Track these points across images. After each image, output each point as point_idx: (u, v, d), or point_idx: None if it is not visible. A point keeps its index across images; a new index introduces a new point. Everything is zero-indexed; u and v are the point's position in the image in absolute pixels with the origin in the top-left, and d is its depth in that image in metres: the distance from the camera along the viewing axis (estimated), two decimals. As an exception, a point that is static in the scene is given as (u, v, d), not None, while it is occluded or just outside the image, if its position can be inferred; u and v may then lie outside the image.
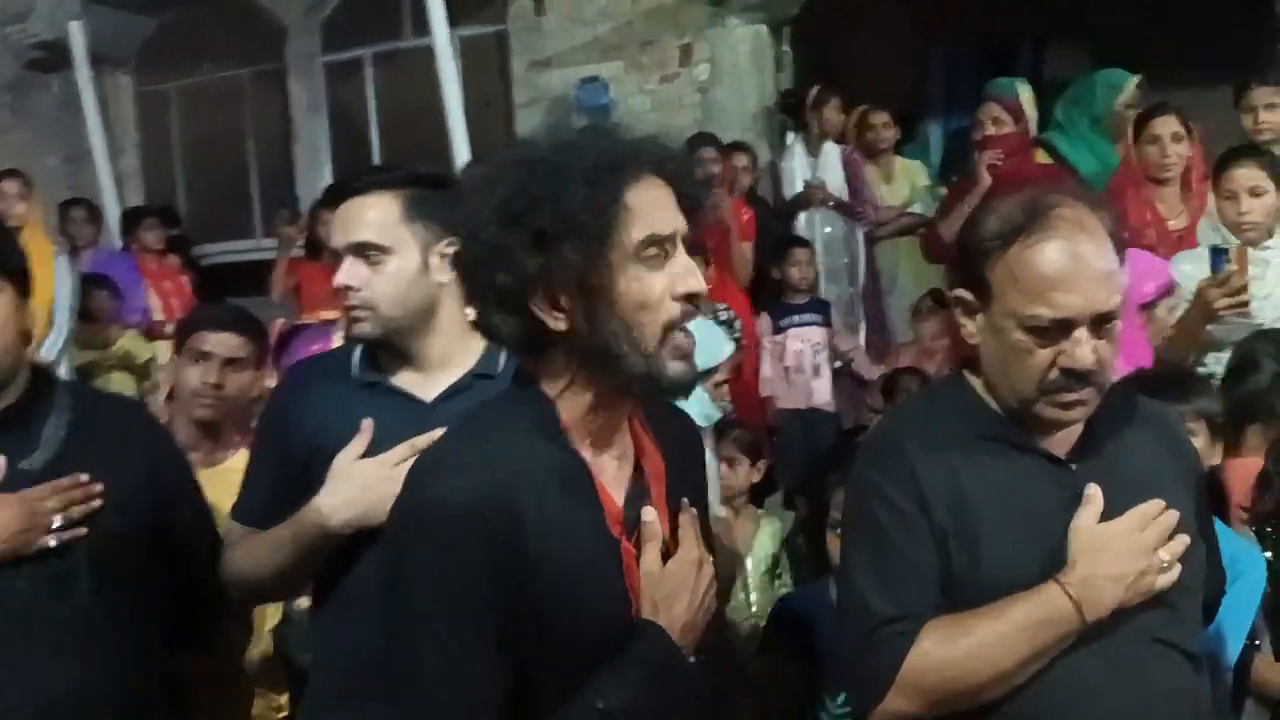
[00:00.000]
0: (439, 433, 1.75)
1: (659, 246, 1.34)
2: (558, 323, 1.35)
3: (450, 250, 1.81)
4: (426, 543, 1.32)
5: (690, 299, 1.36)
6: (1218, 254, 3.16)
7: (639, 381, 1.36)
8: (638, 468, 1.46)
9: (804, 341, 5.16)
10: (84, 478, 1.86)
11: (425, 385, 1.86)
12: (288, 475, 1.86)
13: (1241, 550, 2.26)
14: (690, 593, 1.40)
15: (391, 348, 1.87)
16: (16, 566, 1.80)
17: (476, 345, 1.89)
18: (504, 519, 1.31)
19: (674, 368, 1.37)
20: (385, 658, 1.44)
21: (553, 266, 1.32)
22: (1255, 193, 3.30)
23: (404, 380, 1.87)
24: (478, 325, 1.89)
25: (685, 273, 1.36)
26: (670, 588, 1.39)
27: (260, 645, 2.51)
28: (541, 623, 1.34)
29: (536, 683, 1.36)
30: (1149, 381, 2.34)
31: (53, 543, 1.82)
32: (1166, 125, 3.76)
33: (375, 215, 1.83)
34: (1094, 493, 1.53)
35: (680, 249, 1.37)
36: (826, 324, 5.24)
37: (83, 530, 1.85)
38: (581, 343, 1.36)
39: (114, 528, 1.87)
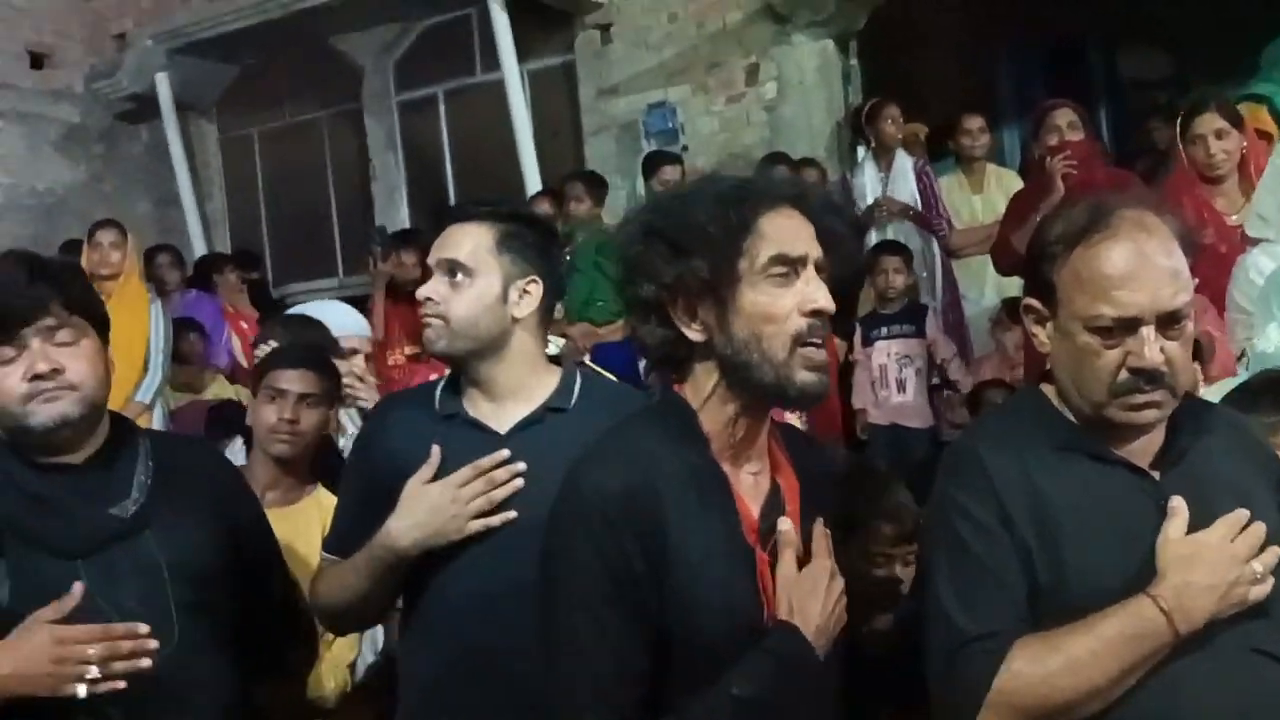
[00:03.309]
0: (504, 453, 1.85)
1: (788, 266, 1.47)
2: (696, 333, 1.50)
3: (532, 288, 1.93)
4: (580, 522, 1.45)
5: (817, 314, 1.47)
6: None
7: (770, 390, 1.47)
8: (774, 485, 1.55)
9: (888, 355, 5.08)
10: (143, 629, 1.74)
11: (499, 417, 1.92)
12: (372, 505, 1.91)
13: None
14: (823, 598, 1.47)
15: (465, 373, 1.94)
16: (108, 602, 1.80)
17: (550, 380, 1.95)
18: (649, 509, 1.44)
19: (803, 377, 1.47)
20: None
21: (685, 277, 1.47)
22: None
23: (481, 412, 1.93)
24: (553, 359, 1.97)
25: (814, 291, 1.48)
26: (804, 591, 1.47)
27: (337, 679, 2.55)
28: (675, 615, 1.43)
29: (667, 677, 1.44)
30: (1238, 393, 2.28)
31: (81, 692, 1.69)
32: (1209, 123, 3.67)
33: (469, 239, 1.93)
34: (1179, 504, 1.50)
35: (811, 271, 1.49)
36: (920, 334, 5.09)
37: (120, 684, 1.71)
38: (718, 353, 1.48)
39: (198, 570, 1.91)
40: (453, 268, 1.92)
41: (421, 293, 1.93)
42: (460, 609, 1.84)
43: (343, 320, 3.22)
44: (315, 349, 2.79)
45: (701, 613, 1.43)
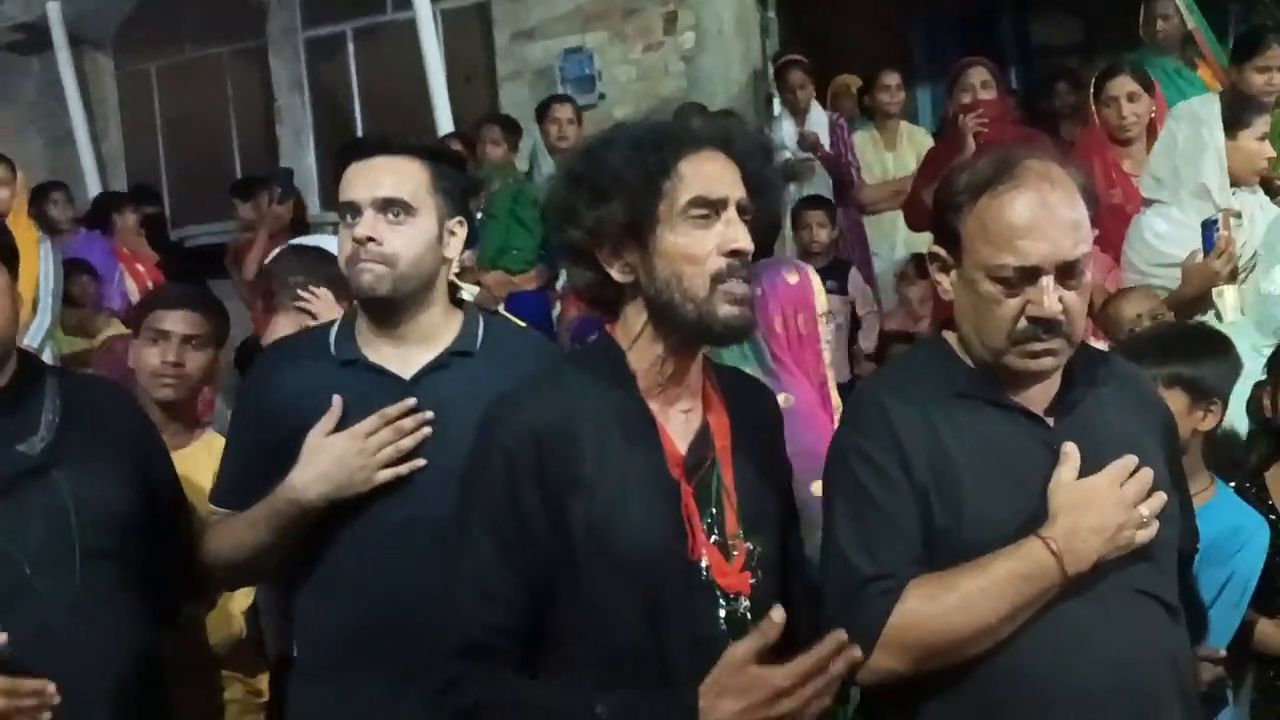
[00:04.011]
0: (410, 402, 1.80)
1: (708, 208, 1.50)
2: (621, 275, 1.54)
3: (458, 229, 1.91)
4: (484, 460, 1.51)
5: (736, 254, 1.50)
6: (1209, 226, 3.16)
7: (693, 326, 1.51)
8: (704, 422, 1.58)
9: None
10: (50, 688, 1.67)
11: (403, 363, 1.87)
12: (265, 457, 1.86)
13: (1248, 519, 2.28)
14: (743, 697, 1.38)
15: (388, 316, 1.87)
16: (13, 543, 1.79)
17: (454, 324, 1.92)
18: (562, 444, 1.48)
19: (725, 311, 1.50)
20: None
21: (605, 221, 1.50)
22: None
23: (382, 357, 1.87)
24: (456, 301, 1.93)
25: (733, 232, 1.51)
26: (728, 679, 1.39)
27: (232, 629, 2.50)
28: (590, 544, 1.47)
29: (579, 604, 1.48)
30: (1128, 345, 2.34)
31: None
32: (1122, 86, 3.76)
33: (406, 176, 1.86)
34: (1070, 449, 1.54)
35: (732, 212, 1.51)
36: (843, 290, 5.05)
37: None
38: (644, 293, 1.52)
39: (108, 509, 1.88)
40: (391, 205, 1.84)
41: (361, 232, 1.83)
42: (369, 559, 1.80)
43: None
44: (199, 288, 2.68)
45: (619, 542, 1.46)
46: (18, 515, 1.79)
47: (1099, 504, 1.51)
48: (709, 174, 1.51)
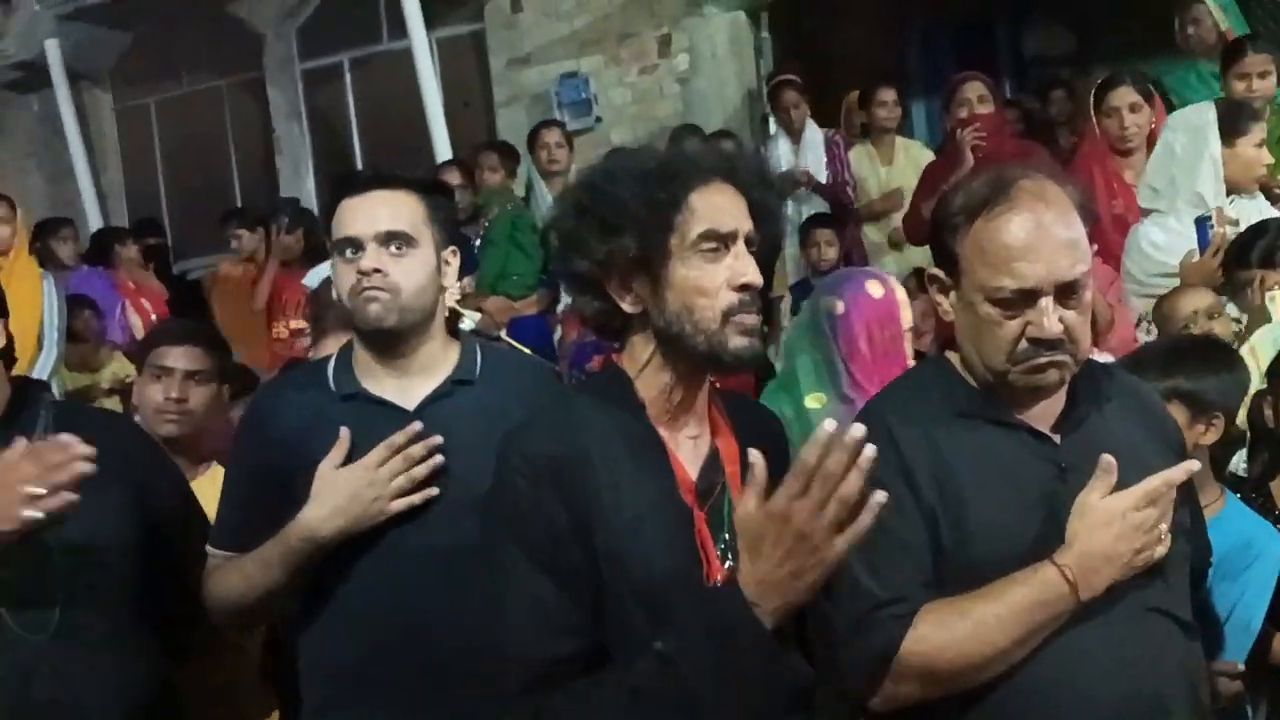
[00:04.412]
0: (417, 426, 1.80)
1: (718, 241, 1.49)
2: (630, 306, 1.53)
3: (452, 258, 1.93)
4: (507, 492, 1.49)
5: (745, 289, 1.50)
6: (1203, 223, 3.16)
7: (704, 358, 1.50)
8: (713, 448, 1.58)
9: None
10: (66, 438, 1.69)
11: (405, 394, 1.87)
12: (266, 496, 1.85)
13: (1260, 530, 2.26)
14: (772, 544, 1.33)
15: (391, 348, 1.87)
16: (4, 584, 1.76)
17: (452, 353, 1.92)
18: (579, 471, 1.47)
19: (736, 343, 1.49)
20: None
21: (616, 254, 1.50)
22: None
23: (383, 389, 1.87)
24: (454, 332, 1.93)
25: (743, 266, 1.50)
26: (749, 536, 1.36)
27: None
28: (607, 572, 1.45)
29: (606, 635, 1.46)
30: (1132, 358, 2.33)
31: (38, 515, 1.67)
32: (1123, 96, 3.77)
33: (404, 209, 1.89)
34: (1109, 465, 1.51)
35: (741, 246, 1.51)
36: None
37: (73, 496, 1.68)
38: (654, 324, 1.52)
39: (94, 543, 1.85)
40: (393, 239, 1.86)
41: (369, 264, 1.84)
42: (380, 589, 1.79)
43: None
44: (202, 323, 2.69)
45: (633, 569, 1.45)
46: None
47: (1119, 529, 1.49)
48: (719, 206, 1.51)
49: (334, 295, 1.96)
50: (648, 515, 1.47)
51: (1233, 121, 3.33)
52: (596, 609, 1.46)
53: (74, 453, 1.68)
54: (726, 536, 1.51)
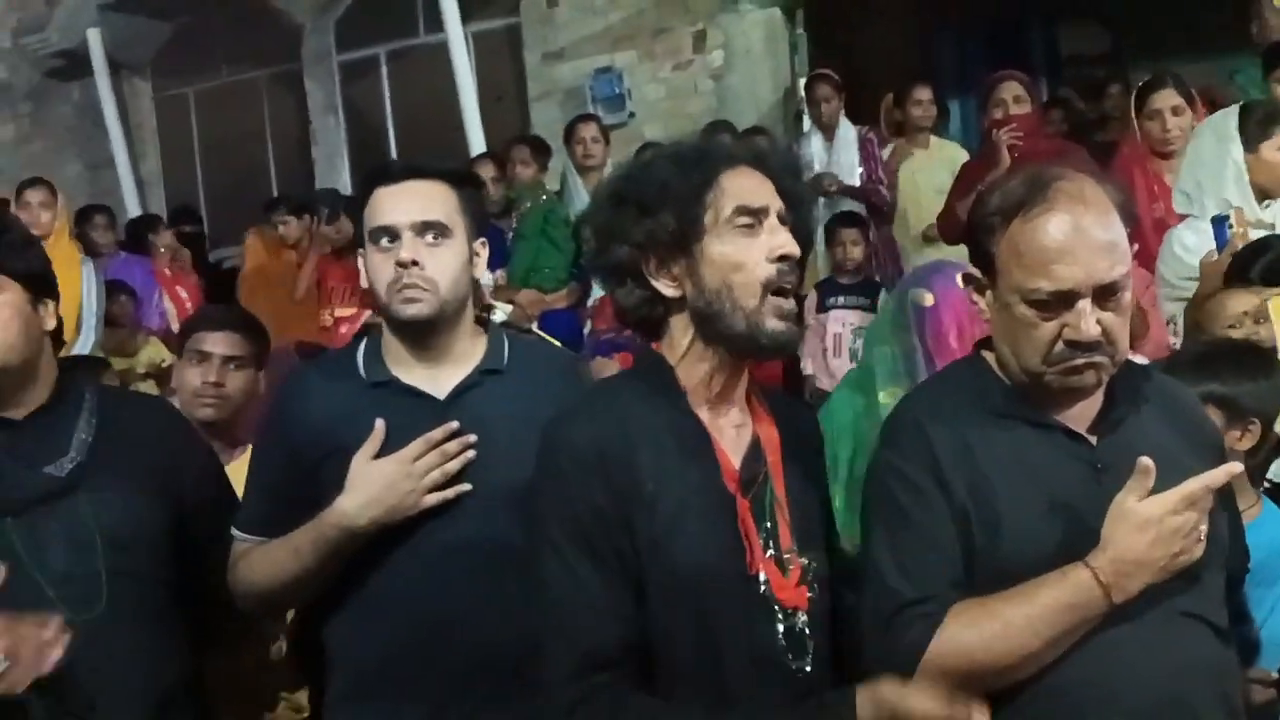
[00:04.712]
0: (453, 425, 1.81)
1: (752, 216, 1.53)
2: (670, 288, 1.55)
3: (482, 250, 1.94)
4: (552, 477, 1.50)
5: (784, 259, 1.52)
6: (1220, 223, 3.14)
7: (742, 339, 1.52)
8: (755, 436, 1.59)
9: (844, 325, 5.11)
10: (50, 627, 1.66)
11: (435, 383, 1.87)
12: (295, 482, 1.85)
13: None
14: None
15: (425, 338, 1.87)
16: (35, 566, 1.78)
17: (480, 343, 1.93)
18: (623, 459, 1.48)
19: (773, 325, 1.52)
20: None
21: (655, 233, 1.52)
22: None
23: (415, 378, 1.87)
24: (480, 321, 1.96)
25: (779, 238, 1.53)
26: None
27: (276, 645, 2.48)
28: (651, 561, 1.47)
29: (651, 620, 1.47)
30: (1167, 362, 2.32)
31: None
32: (1166, 99, 3.74)
33: (438, 199, 1.89)
34: (1147, 466, 1.48)
35: (774, 220, 1.54)
36: (873, 308, 5.07)
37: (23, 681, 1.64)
38: (692, 306, 1.54)
39: (136, 530, 1.87)
40: (429, 228, 1.86)
41: (406, 255, 1.84)
42: (414, 583, 1.79)
43: None
44: (241, 309, 2.73)
45: (679, 558, 1.47)
46: (38, 537, 1.79)
47: (1156, 533, 1.46)
48: (748, 187, 1.54)
49: (363, 284, 1.95)
50: (692, 504, 1.49)
51: (1256, 126, 3.30)
52: (638, 597, 1.47)
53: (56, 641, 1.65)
54: (768, 525, 1.53)
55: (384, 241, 1.87)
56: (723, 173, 1.54)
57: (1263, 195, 3.31)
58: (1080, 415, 1.60)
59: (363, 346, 1.93)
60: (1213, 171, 3.29)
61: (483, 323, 1.98)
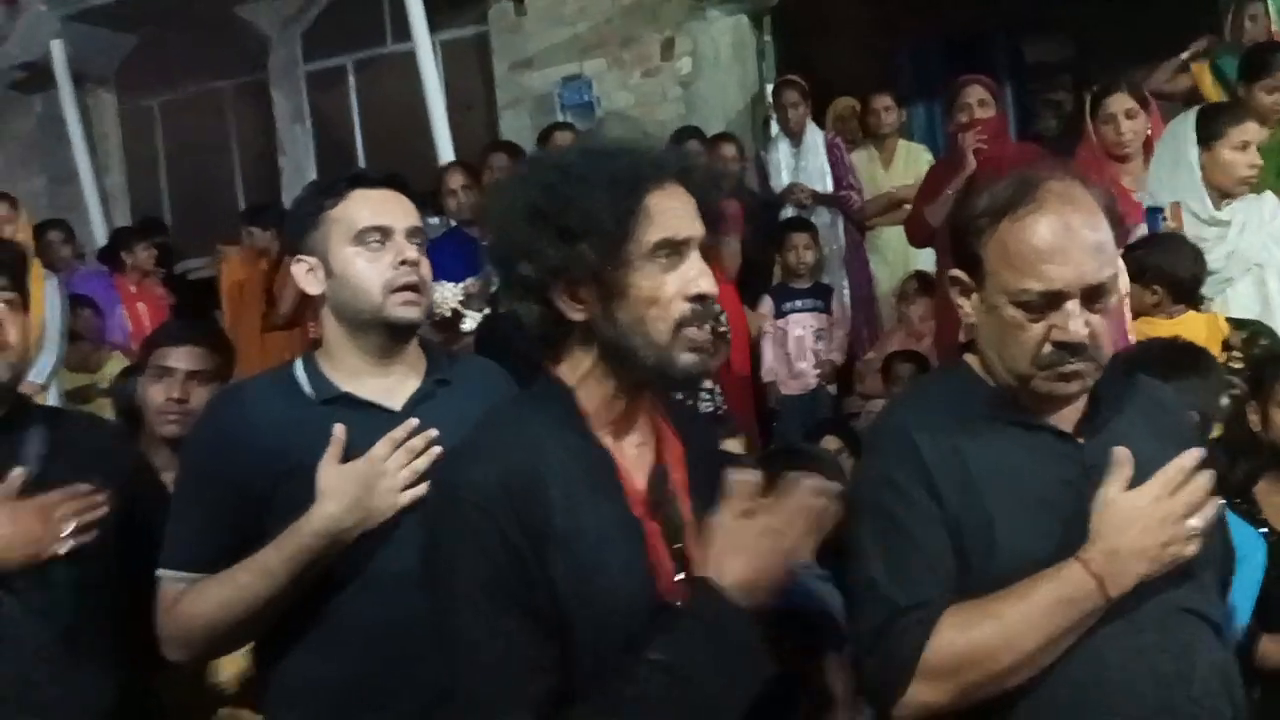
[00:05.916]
0: (414, 422, 1.79)
1: (673, 249, 1.43)
2: (577, 313, 1.44)
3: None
4: (458, 524, 1.39)
5: (700, 300, 1.44)
6: (1154, 214, 3.19)
7: (651, 372, 1.44)
8: (658, 455, 1.52)
9: (804, 328, 5.18)
10: (83, 488, 1.87)
11: (390, 394, 1.85)
12: (241, 510, 1.77)
13: (1244, 535, 2.25)
14: (747, 551, 1.38)
15: (395, 345, 1.86)
16: (6, 589, 1.80)
17: (420, 353, 1.92)
18: (529, 498, 1.38)
19: (685, 359, 1.44)
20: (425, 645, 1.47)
21: (572, 261, 1.41)
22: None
23: (367, 390, 1.84)
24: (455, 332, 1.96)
25: (697, 275, 1.44)
26: (725, 544, 1.39)
27: (238, 664, 2.39)
28: (573, 598, 1.38)
29: (572, 663, 1.39)
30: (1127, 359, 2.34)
31: (63, 550, 1.85)
32: (1119, 103, 3.79)
33: (412, 210, 1.90)
34: (1124, 457, 1.49)
35: (695, 253, 1.45)
36: (827, 310, 5.23)
37: (89, 535, 1.87)
38: (599, 334, 1.44)
39: (91, 549, 1.88)
40: (416, 234, 1.88)
41: (412, 254, 1.84)
42: (368, 612, 1.75)
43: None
44: (205, 323, 2.72)
45: (602, 593, 1.39)
46: None
47: (1142, 522, 1.47)
48: (673, 211, 1.44)
49: (309, 290, 1.90)
50: (609, 537, 1.41)
51: (1209, 126, 3.36)
52: (563, 633, 1.39)
53: (94, 500, 1.89)
54: (677, 547, 1.47)
55: (373, 242, 1.84)
56: (650, 194, 1.42)
57: (1221, 195, 3.36)
58: (1067, 416, 1.60)
59: (299, 365, 1.87)
60: (1173, 174, 3.34)
61: (456, 333, 2.02)
